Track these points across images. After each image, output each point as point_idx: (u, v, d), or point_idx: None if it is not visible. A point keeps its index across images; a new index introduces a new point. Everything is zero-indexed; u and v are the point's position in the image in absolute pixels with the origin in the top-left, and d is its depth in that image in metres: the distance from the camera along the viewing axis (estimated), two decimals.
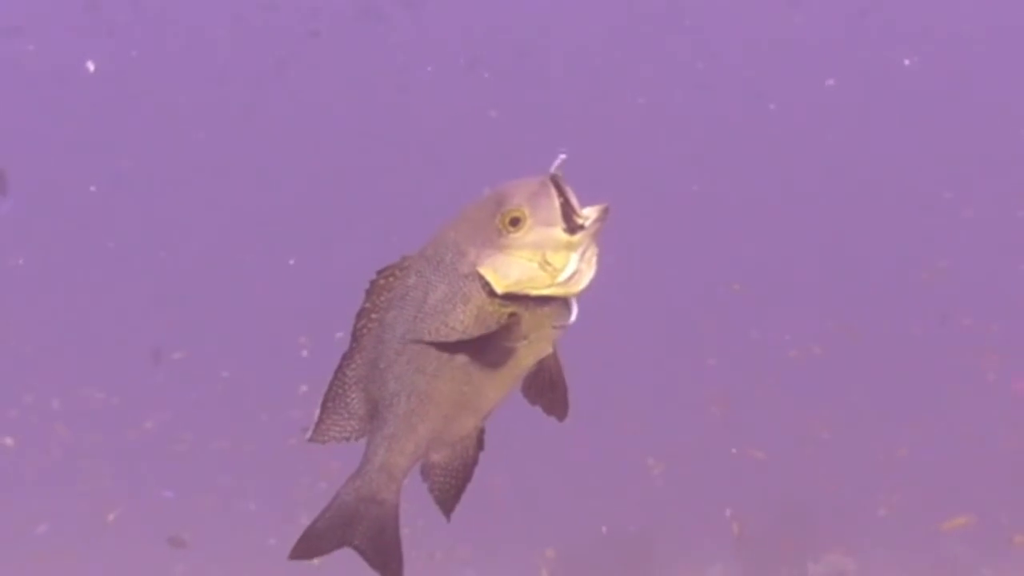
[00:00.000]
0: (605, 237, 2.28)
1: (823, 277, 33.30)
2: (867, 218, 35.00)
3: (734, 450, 15.38)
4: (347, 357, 2.41)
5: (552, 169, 2.25)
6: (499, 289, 2.24)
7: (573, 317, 2.27)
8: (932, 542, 15.31)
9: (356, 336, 2.39)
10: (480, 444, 2.47)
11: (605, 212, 2.23)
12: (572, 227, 2.21)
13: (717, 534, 15.46)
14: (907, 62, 32.71)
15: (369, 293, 2.36)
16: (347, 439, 2.44)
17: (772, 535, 14.87)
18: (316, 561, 2.56)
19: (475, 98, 33.32)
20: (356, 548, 2.47)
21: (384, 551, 2.46)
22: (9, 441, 19.95)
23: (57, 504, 18.36)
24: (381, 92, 35.20)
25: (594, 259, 2.25)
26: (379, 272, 2.36)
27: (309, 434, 2.43)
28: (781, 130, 35.74)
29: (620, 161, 33.15)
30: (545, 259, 2.22)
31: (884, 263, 32.86)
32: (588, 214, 2.23)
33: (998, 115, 34.98)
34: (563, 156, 2.26)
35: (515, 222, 2.23)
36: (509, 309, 2.26)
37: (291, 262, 29.59)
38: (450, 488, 2.47)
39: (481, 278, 2.26)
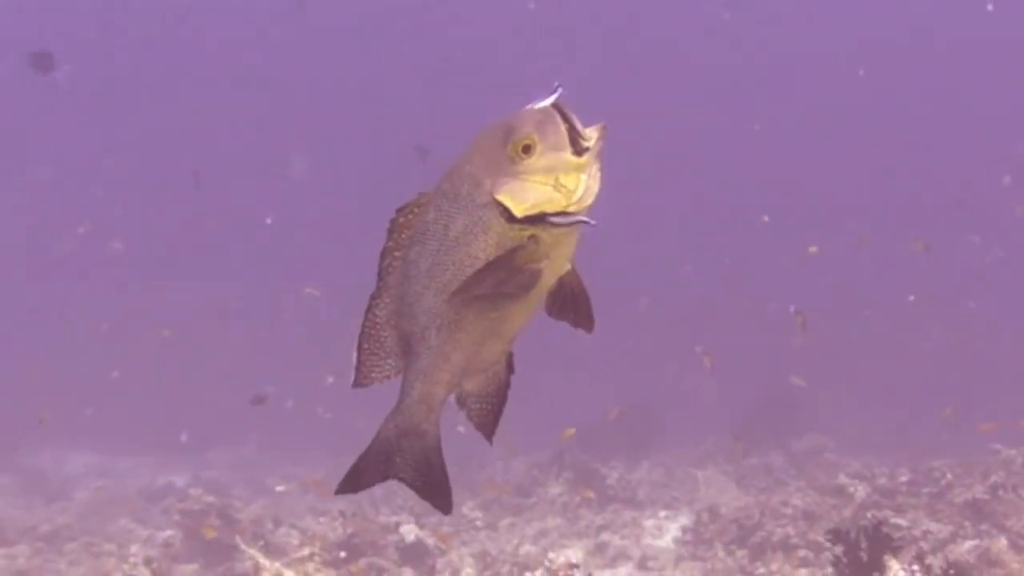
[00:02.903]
0: (607, 154, 2.20)
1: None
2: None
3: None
4: (375, 297, 2.28)
5: (551, 99, 2.17)
6: (518, 213, 2.14)
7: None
8: (900, 428, 15.58)
9: (382, 275, 2.26)
10: (510, 367, 2.35)
11: (604, 130, 2.15)
12: (579, 149, 2.13)
13: (712, 415, 15.61)
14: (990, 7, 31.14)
15: (390, 232, 2.24)
16: (387, 377, 2.32)
17: (760, 419, 14.99)
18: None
19: None
20: (403, 480, 2.36)
21: (432, 483, 2.36)
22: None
23: None
24: None
25: (598, 174, 2.17)
26: (398, 210, 2.24)
27: (351, 380, 2.31)
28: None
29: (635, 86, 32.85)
30: (558, 181, 2.13)
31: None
32: (589, 134, 2.15)
33: None
34: (560, 89, 2.17)
35: (526, 149, 2.13)
36: (528, 232, 2.15)
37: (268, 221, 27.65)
38: (487, 413, 2.36)
39: (499, 205, 2.15)
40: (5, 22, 31.67)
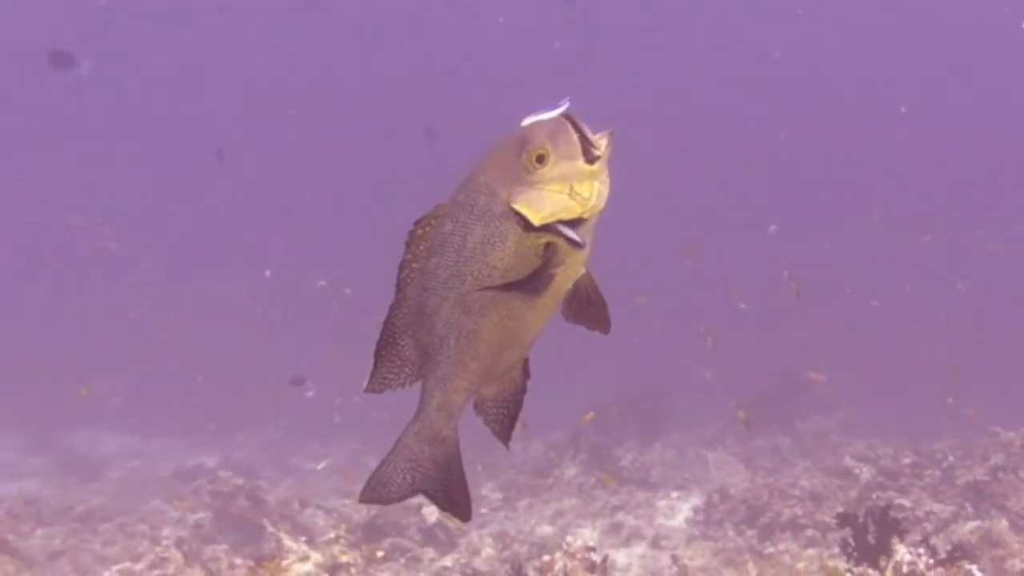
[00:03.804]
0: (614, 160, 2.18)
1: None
2: None
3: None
4: (394, 307, 2.24)
5: (560, 110, 2.14)
6: (535, 222, 2.11)
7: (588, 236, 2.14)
8: (896, 409, 15.51)
9: (400, 286, 2.22)
10: (526, 373, 2.32)
11: (611, 137, 2.13)
12: (591, 158, 2.11)
13: (719, 397, 15.61)
14: None
15: (408, 244, 2.20)
16: (402, 385, 2.27)
17: (766, 403, 14.95)
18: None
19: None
20: (425, 493, 2.33)
21: (452, 490, 2.32)
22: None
23: None
24: None
25: (608, 179, 2.15)
26: (416, 223, 2.19)
27: (365, 384, 2.26)
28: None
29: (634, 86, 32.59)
30: (573, 190, 2.11)
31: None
32: (599, 142, 2.12)
33: None
34: (568, 103, 2.15)
35: (541, 159, 2.10)
36: (544, 239, 2.12)
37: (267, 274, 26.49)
38: (504, 419, 2.33)
39: (516, 215, 2.11)
40: (5, 22, 31.56)
